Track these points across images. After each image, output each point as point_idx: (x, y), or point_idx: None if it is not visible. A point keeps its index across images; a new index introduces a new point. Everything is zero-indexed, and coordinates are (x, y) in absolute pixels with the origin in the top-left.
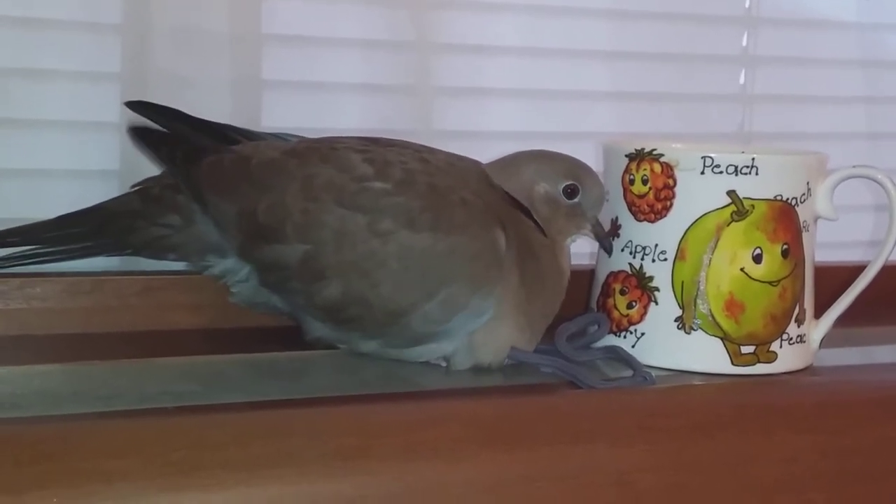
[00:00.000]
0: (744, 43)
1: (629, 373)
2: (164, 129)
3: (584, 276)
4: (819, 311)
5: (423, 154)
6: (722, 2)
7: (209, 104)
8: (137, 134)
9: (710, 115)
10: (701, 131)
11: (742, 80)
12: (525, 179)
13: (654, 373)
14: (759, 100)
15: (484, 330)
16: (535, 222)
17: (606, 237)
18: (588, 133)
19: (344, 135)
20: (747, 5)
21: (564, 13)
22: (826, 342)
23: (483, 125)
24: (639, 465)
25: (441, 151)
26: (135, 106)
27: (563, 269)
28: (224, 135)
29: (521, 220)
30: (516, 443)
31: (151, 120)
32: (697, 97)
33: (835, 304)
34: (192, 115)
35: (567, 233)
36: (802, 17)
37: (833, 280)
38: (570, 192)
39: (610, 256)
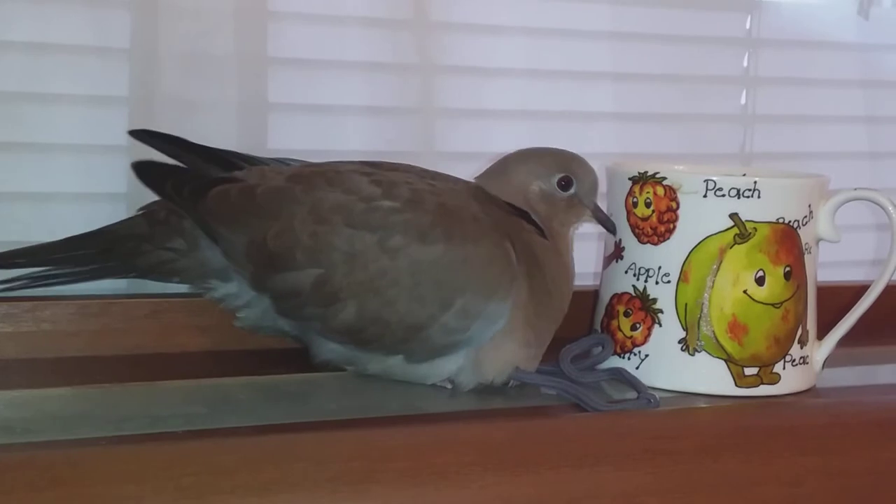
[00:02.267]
0: (745, 64)
1: (633, 395)
2: (168, 160)
3: (587, 298)
4: (822, 332)
5: (427, 179)
6: (723, 23)
7: (216, 127)
8: (142, 171)
9: (711, 136)
10: (702, 152)
11: (743, 101)
12: (518, 182)
13: (658, 394)
14: (761, 120)
15: (489, 346)
16: (535, 224)
17: (608, 219)
18: (590, 154)
19: (348, 157)
20: (748, 26)
21: (566, 35)
22: (829, 363)
23: (486, 146)
24: (644, 488)
25: (439, 174)
26: (138, 134)
27: (567, 266)
28: (227, 160)
29: (523, 229)
30: (522, 466)
31: (155, 147)
32: (699, 118)
33: (837, 326)
34: (199, 138)
35: (569, 223)
36: (803, 38)
37: (836, 300)
38: (565, 184)
39: (615, 236)
